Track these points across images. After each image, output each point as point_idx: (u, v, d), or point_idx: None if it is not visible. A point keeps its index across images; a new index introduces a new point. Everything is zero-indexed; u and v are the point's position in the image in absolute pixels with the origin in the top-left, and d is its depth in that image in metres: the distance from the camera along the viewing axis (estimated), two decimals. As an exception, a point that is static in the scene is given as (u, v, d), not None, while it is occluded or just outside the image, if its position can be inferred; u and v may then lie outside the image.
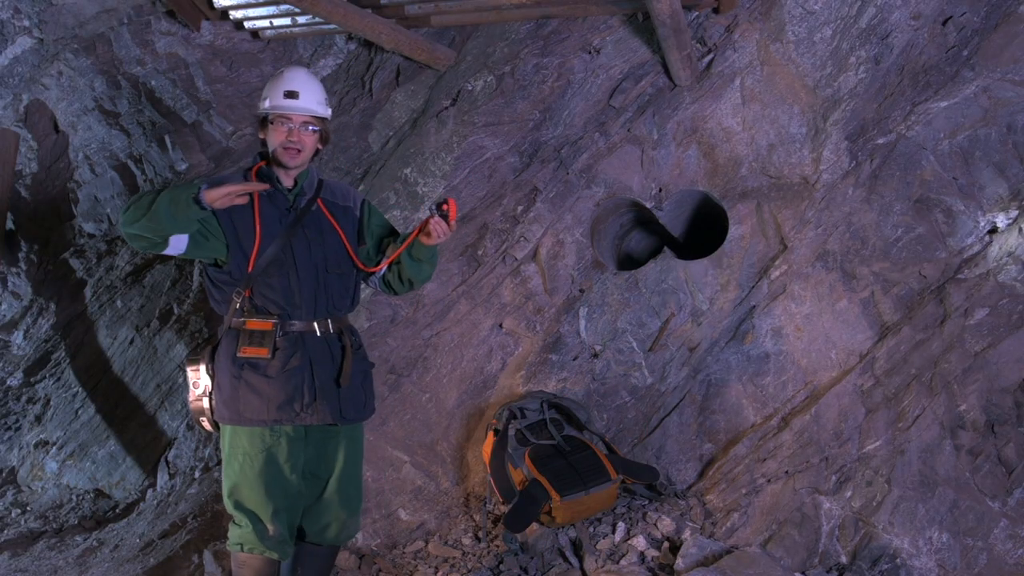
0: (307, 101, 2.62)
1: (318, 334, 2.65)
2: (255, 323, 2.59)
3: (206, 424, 2.68)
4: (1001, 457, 3.14)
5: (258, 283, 2.59)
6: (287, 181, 2.68)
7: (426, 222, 2.59)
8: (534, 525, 3.42)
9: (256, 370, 2.57)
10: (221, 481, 2.71)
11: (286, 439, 2.62)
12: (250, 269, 2.57)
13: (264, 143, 2.68)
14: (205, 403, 2.64)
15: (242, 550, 2.62)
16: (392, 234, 2.88)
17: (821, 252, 3.73)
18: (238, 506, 2.61)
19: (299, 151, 2.61)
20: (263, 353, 2.56)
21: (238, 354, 2.57)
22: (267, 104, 2.62)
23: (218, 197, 2.41)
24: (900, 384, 3.40)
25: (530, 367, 4.05)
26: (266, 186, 2.54)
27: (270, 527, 2.61)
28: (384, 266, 2.78)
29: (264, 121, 2.64)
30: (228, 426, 2.62)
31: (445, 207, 2.54)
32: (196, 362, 2.67)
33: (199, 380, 2.64)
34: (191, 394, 2.66)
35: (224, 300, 2.64)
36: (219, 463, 4.27)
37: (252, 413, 2.56)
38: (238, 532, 2.63)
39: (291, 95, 2.60)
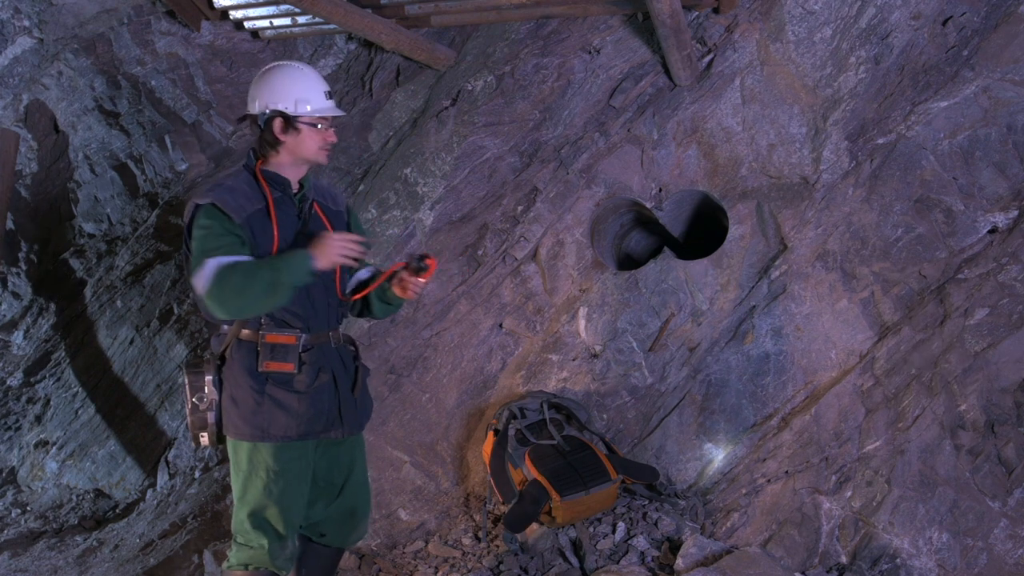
0: (334, 99, 2.58)
1: (332, 345, 2.58)
2: (275, 336, 2.46)
3: (205, 439, 2.53)
4: (1001, 457, 3.14)
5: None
6: (293, 185, 2.57)
7: (396, 268, 2.54)
8: (534, 525, 3.42)
9: (282, 386, 2.46)
10: (237, 498, 2.51)
11: (307, 452, 2.57)
12: None
13: (272, 143, 2.50)
14: (210, 418, 2.49)
15: (246, 570, 2.53)
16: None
17: (821, 252, 3.73)
18: (260, 525, 2.49)
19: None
20: (289, 368, 2.45)
21: (260, 369, 2.44)
22: (309, 108, 2.48)
23: (331, 262, 2.38)
24: (900, 384, 3.41)
25: (530, 367, 4.05)
26: (364, 240, 2.46)
27: (289, 543, 2.56)
28: (355, 298, 2.67)
29: (288, 123, 2.48)
30: (247, 442, 2.48)
31: (427, 263, 2.47)
32: (199, 374, 2.50)
33: (204, 394, 2.49)
34: (190, 407, 2.50)
35: None
36: (219, 463, 4.27)
37: (278, 429, 2.46)
38: (248, 553, 2.52)
39: (330, 95, 2.55)
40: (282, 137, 2.49)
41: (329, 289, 2.58)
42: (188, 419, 2.53)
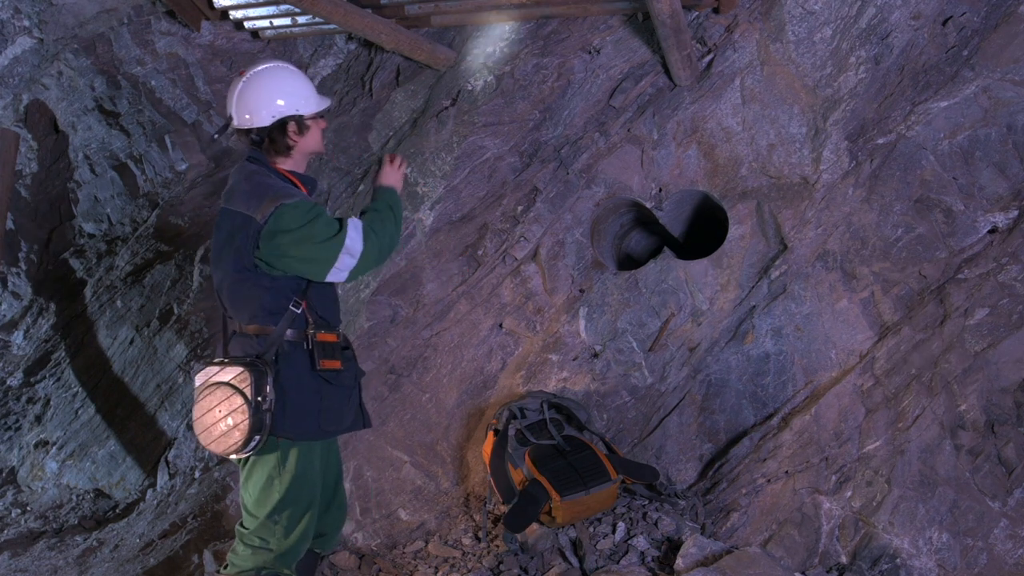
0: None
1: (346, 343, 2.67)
2: (324, 335, 2.50)
3: (256, 442, 2.36)
4: (1001, 457, 3.14)
5: (314, 292, 2.50)
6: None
7: None
8: (534, 525, 3.42)
9: (332, 383, 2.50)
10: (256, 503, 2.47)
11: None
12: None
13: (287, 147, 2.56)
14: (267, 419, 2.36)
15: (258, 575, 2.48)
16: None
17: (821, 252, 3.73)
18: (301, 526, 2.47)
19: None
20: (338, 365, 2.50)
21: (316, 368, 2.45)
22: (314, 106, 2.57)
23: (401, 183, 2.73)
24: (900, 384, 3.41)
25: (530, 367, 4.05)
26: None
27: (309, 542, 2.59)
28: None
29: (300, 124, 2.54)
30: (301, 443, 2.45)
31: None
32: (263, 374, 2.36)
33: (267, 394, 2.35)
34: (254, 407, 2.32)
35: (277, 310, 2.45)
36: (220, 463, 4.27)
37: (331, 425, 2.49)
38: (266, 556, 2.46)
39: (320, 91, 2.66)
40: (296, 139, 2.55)
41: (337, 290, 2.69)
42: (247, 420, 2.32)
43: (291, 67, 2.61)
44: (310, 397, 2.45)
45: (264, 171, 2.53)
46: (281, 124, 2.51)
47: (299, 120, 2.53)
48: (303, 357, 2.46)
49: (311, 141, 2.59)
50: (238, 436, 2.34)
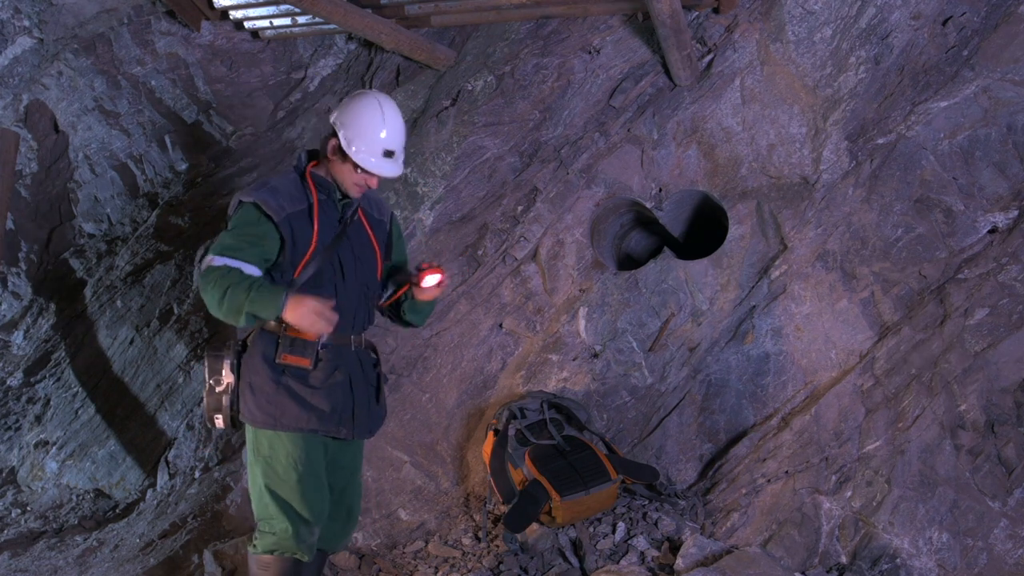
0: (399, 162, 2.61)
1: (352, 348, 2.66)
2: (297, 331, 2.51)
3: (220, 422, 2.59)
4: (1001, 457, 3.14)
5: (303, 292, 2.48)
6: (339, 191, 2.66)
7: (406, 289, 2.78)
8: (534, 525, 3.42)
9: (297, 379, 2.54)
10: (250, 486, 2.60)
11: (321, 447, 2.63)
12: (296, 275, 2.52)
13: (324, 153, 2.62)
14: (225, 400, 2.58)
15: (272, 555, 2.55)
16: (405, 262, 2.94)
17: (821, 252, 3.73)
18: (284, 509, 2.53)
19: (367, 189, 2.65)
20: (305, 363, 2.53)
21: (278, 360, 2.52)
22: (361, 155, 2.53)
23: (295, 321, 2.38)
24: (900, 384, 3.41)
25: (530, 367, 4.05)
26: (331, 328, 2.45)
27: (316, 528, 2.59)
28: (390, 302, 2.86)
29: (340, 148, 2.56)
30: (266, 430, 2.54)
31: (423, 269, 2.66)
32: (220, 357, 2.58)
33: (221, 377, 2.57)
34: (208, 389, 2.58)
35: None
36: (220, 463, 4.27)
37: (291, 420, 2.52)
38: (272, 539, 2.55)
39: (389, 155, 2.57)
40: (331, 156, 2.61)
41: (361, 296, 2.68)
42: (204, 400, 2.60)
43: (384, 115, 2.57)
44: (266, 386, 2.53)
45: (286, 171, 2.69)
46: (333, 133, 2.58)
47: (340, 148, 2.56)
48: (269, 347, 2.55)
49: (341, 173, 2.59)
50: (207, 415, 2.62)
